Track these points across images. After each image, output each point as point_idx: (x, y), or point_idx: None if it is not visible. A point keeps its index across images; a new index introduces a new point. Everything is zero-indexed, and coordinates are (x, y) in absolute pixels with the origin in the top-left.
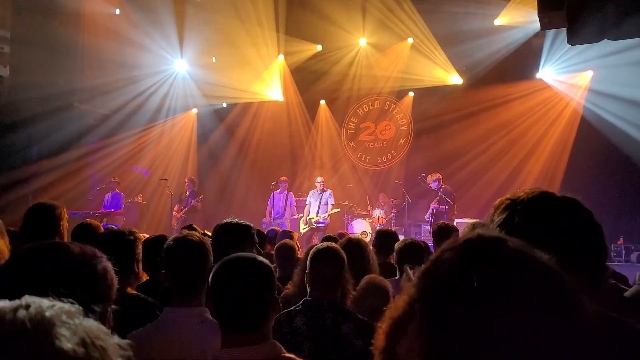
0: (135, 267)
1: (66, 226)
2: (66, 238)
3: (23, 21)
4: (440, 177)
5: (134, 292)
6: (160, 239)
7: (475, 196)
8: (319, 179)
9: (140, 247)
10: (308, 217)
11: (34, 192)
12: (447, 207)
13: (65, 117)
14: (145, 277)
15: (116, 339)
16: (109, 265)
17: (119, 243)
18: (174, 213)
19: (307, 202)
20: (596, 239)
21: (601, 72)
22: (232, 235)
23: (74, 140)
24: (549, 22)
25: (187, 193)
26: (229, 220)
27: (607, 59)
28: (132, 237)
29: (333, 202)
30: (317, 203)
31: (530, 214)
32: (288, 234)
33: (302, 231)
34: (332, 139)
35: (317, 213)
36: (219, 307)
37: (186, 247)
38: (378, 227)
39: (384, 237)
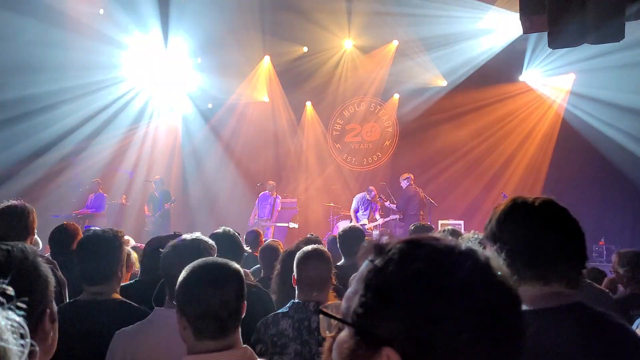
0: (120, 270)
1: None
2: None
3: (3, 20)
4: (412, 177)
5: (118, 297)
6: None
7: (459, 197)
8: (374, 192)
9: (125, 251)
10: (361, 224)
11: (17, 193)
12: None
13: (48, 117)
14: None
15: (11, 314)
16: (41, 264)
17: (104, 247)
18: (147, 214)
19: (354, 209)
20: (573, 236)
21: (583, 75)
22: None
23: (57, 140)
24: (530, 26)
25: (156, 194)
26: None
27: (588, 62)
28: (117, 242)
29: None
30: (368, 211)
31: (505, 219)
32: (254, 234)
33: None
34: (318, 141)
35: (367, 218)
36: (187, 313)
37: (184, 250)
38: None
39: (349, 237)
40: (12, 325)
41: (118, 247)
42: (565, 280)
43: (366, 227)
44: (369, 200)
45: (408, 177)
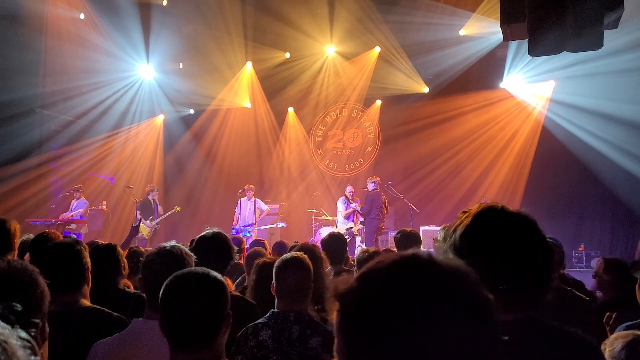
0: (87, 277)
1: (17, 242)
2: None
3: None
4: (379, 181)
5: (88, 303)
6: (111, 247)
7: (441, 203)
8: (350, 188)
9: (87, 256)
10: (347, 227)
11: None
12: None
13: (26, 122)
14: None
15: (21, 332)
16: (39, 279)
17: (65, 255)
18: (147, 223)
19: (340, 210)
20: (538, 257)
21: (563, 82)
22: (212, 248)
23: (36, 146)
24: (511, 34)
25: (152, 201)
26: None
27: (568, 69)
28: (78, 248)
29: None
30: (350, 211)
31: (471, 228)
32: (259, 243)
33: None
34: (300, 147)
35: (352, 221)
36: (169, 323)
37: (166, 260)
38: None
39: (333, 243)
40: (22, 343)
41: (79, 254)
42: (525, 297)
43: (353, 229)
44: (349, 198)
45: (375, 181)
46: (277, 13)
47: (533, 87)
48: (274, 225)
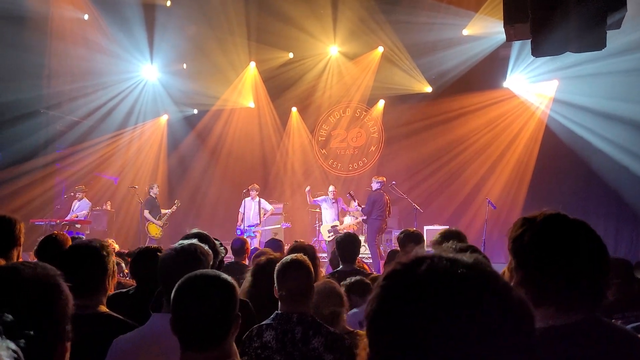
0: (107, 282)
1: (22, 239)
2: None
3: None
4: (384, 181)
5: (106, 310)
6: (158, 250)
7: (444, 203)
8: (332, 188)
9: (112, 261)
10: (332, 225)
11: (0, 199)
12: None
13: (32, 123)
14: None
15: (10, 344)
16: (62, 283)
17: (90, 258)
18: (157, 222)
19: (316, 199)
20: (601, 261)
21: (566, 82)
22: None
23: (41, 146)
24: (514, 34)
25: (157, 200)
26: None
27: (571, 69)
28: (104, 252)
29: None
30: (334, 210)
31: (541, 233)
32: (276, 242)
33: (328, 239)
34: (304, 146)
35: (337, 219)
36: (180, 324)
37: (182, 259)
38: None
39: (346, 243)
40: (9, 354)
41: (104, 258)
42: (591, 298)
43: (338, 228)
44: (332, 200)
45: (380, 181)
46: (280, 13)
47: (536, 86)
48: (278, 226)
